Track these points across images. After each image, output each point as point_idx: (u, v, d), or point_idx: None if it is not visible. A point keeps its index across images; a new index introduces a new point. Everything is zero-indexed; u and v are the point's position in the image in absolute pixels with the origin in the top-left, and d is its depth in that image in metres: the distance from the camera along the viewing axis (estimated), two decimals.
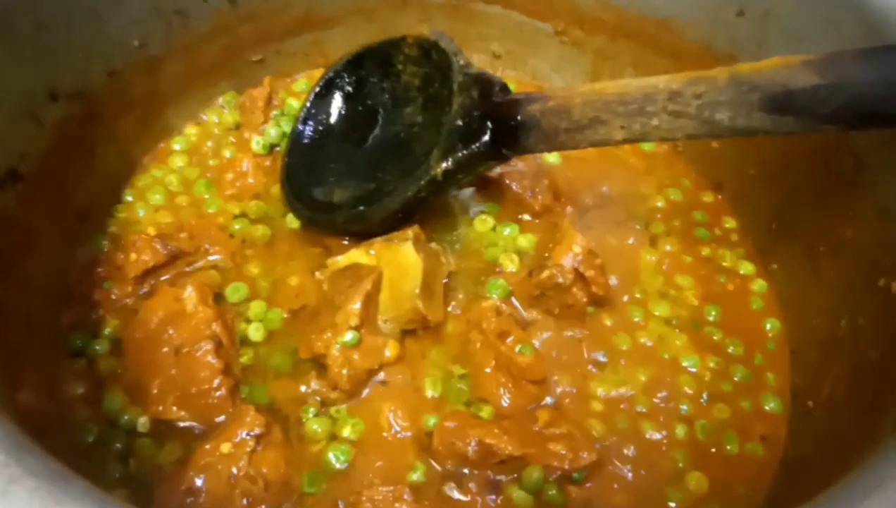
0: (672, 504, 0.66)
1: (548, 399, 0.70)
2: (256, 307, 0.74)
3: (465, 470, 0.65)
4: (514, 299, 0.77)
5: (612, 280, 0.79)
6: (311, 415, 0.67)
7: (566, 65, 0.98)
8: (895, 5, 0.67)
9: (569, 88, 0.68)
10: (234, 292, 0.75)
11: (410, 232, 0.74)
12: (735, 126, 0.59)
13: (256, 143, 0.88)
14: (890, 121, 0.54)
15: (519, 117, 0.69)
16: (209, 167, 0.87)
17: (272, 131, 0.89)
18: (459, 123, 0.71)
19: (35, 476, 0.41)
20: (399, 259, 0.72)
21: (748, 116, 0.57)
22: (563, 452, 0.64)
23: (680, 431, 0.70)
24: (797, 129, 0.56)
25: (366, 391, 0.69)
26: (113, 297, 0.73)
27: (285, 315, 0.74)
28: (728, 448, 0.69)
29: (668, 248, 0.84)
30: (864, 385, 0.61)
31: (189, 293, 0.70)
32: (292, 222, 0.82)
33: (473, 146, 0.70)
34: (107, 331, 0.72)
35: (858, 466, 0.48)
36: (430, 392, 0.69)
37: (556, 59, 0.98)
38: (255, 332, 0.73)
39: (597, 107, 0.65)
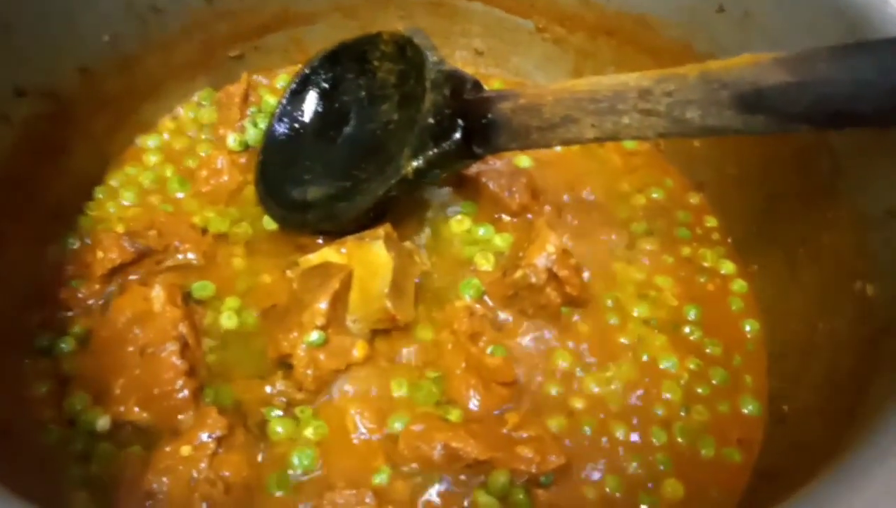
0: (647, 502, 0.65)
1: (518, 401, 0.69)
2: (227, 304, 0.73)
3: (431, 474, 0.64)
4: (487, 299, 0.76)
5: (590, 280, 0.78)
6: (274, 416, 0.66)
7: (548, 62, 0.97)
8: (876, 4, 0.65)
9: (540, 86, 0.67)
10: (201, 289, 0.74)
11: (382, 231, 0.73)
12: (706, 125, 0.57)
13: (232, 140, 0.87)
14: (860, 120, 0.52)
15: (490, 115, 0.68)
16: (184, 165, 0.86)
17: (249, 129, 0.88)
18: (430, 120, 0.69)
19: None
20: (370, 258, 0.71)
21: (718, 114, 0.56)
22: (531, 455, 0.63)
23: (655, 434, 0.68)
24: (768, 128, 0.55)
25: (332, 392, 0.68)
26: (80, 295, 0.72)
27: (255, 315, 0.73)
28: (704, 452, 0.68)
29: (648, 247, 0.83)
30: (838, 392, 0.60)
31: (157, 293, 0.70)
32: (269, 223, 0.81)
33: (444, 145, 0.69)
34: (73, 330, 0.71)
35: (825, 475, 0.47)
36: (397, 394, 0.68)
37: (539, 57, 0.97)
38: (227, 320, 0.72)
39: (568, 105, 0.64)
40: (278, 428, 0.65)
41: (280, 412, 0.66)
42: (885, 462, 0.41)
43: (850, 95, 0.51)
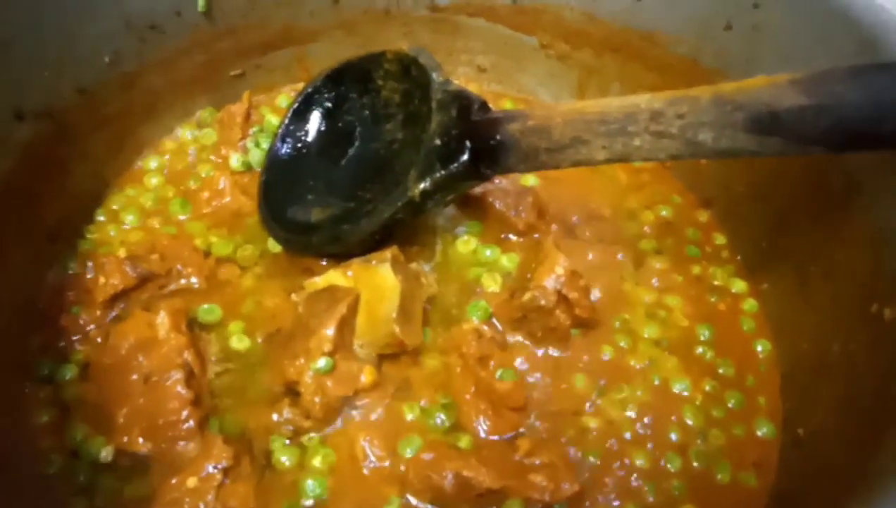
0: None
1: (530, 426, 0.68)
2: (232, 329, 0.72)
3: (443, 504, 0.62)
4: (495, 322, 0.74)
5: (599, 301, 0.77)
6: (281, 445, 0.64)
7: (552, 79, 0.96)
8: (886, 20, 0.65)
9: (549, 106, 0.66)
10: (208, 313, 0.73)
11: (389, 253, 0.72)
12: (719, 147, 0.56)
13: (235, 160, 0.86)
14: (880, 143, 0.52)
15: (498, 137, 0.67)
16: (185, 186, 0.85)
17: (252, 149, 0.87)
18: (437, 142, 0.68)
19: None
20: (376, 281, 0.70)
21: (732, 137, 0.55)
22: (545, 483, 0.62)
23: (670, 459, 0.67)
24: (784, 150, 0.54)
25: (340, 420, 0.66)
26: (81, 322, 0.71)
27: (260, 340, 0.72)
28: (720, 476, 0.67)
29: (657, 266, 0.82)
30: (857, 416, 0.59)
31: (162, 319, 0.68)
32: (274, 245, 0.80)
33: (452, 166, 0.68)
34: (75, 357, 0.69)
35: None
36: (407, 420, 0.67)
37: (542, 74, 0.97)
38: (237, 342, 0.71)
39: (578, 127, 0.63)
40: (284, 458, 0.63)
41: (285, 441, 0.65)
42: None
43: (869, 118, 0.50)
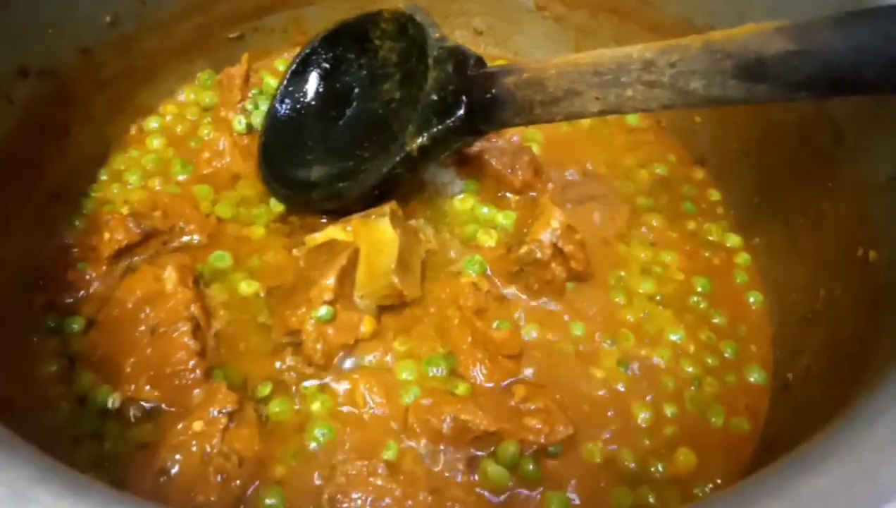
0: (657, 474, 0.65)
1: (525, 374, 0.70)
2: (237, 277, 0.74)
3: (441, 447, 0.64)
4: (492, 276, 0.76)
5: (595, 257, 0.78)
6: (284, 391, 0.66)
7: (548, 41, 0.97)
8: None
9: (543, 60, 0.67)
10: (219, 260, 0.75)
11: (388, 208, 0.73)
12: (709, 95, 0.58)
13: (241, 122, 0.87)
14: (863, 88, 0.53)
15: (494, 91, 0.68)
16: (186, 147, 0.86)
17: (253, 112, 0.88)
18: (434, 97, 0.70)
19: None
20: (376, 235, 0.72)
21: (722, 84, 0.57)
22: (539, 426, 0.64)
23: (664, 405, 0.69)
24: (771, 97, 0.55)
25: (341, 368, 0.68)
26: (87, 277, 0.73)
27: (263, 294, 0.74)
28: (713, 420, 0.69)
29: (653, 223, 0.83)
30: (840, 358, 0.61)
31: (169, 274, 0.70)
32: (276, 205, 0.81)
33: (448, 121, 0.69)
34: (82, 311, 0.71)
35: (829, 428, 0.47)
36: (406, 369, 0.68)
37: (539, 36, 0.98)
38: (246, 288, 0.73)
39: (571, 78, 0.64)
40: (287, 403, 0.65)
41: (288, 387, 0.67)
42: (887, 414, 0.42)
43: (852, 63, 0.51)
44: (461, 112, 0.69)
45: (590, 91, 0.63)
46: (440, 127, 0.70)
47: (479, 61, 0.71)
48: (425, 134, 0.70)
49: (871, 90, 0.53)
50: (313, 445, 0.64)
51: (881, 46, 0.50)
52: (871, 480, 0.37)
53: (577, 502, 0.63)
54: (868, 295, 0.59)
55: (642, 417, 0.68)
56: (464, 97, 0.69)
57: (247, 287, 0.73)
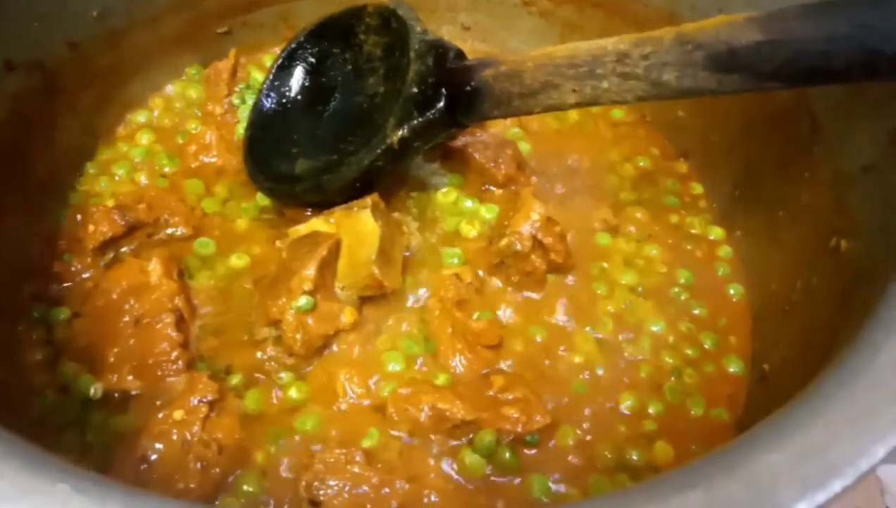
0: (635, 462, 0.65)
1: (504, 364, 0.70)
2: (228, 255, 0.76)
3: (419, 436, 0.65)
4: (473, 268, 0.76)
5: (577, 250, 0.79)
6: (263, 381, 0.67)
7: (535, 36, 0.98)
8: None
9: (521, 53, 0.67)
10: (203, 246, 0.76)
11: (369, 200, 0.74)
12: (682, 86, 0.58)
13: (227, 116, 0.88)
14: (833, 76, 0.53)
15: (473, 83, 0.68)
16: (173, 141, 0.87)
17: (239, 105, 0.89)
18: (414, 90, 0.70)
19: None
20: (357, 227, 0.72)
21: (694, 75, 0.57)
22: (517, 416, 0.64)
23: (643, 396, 0.69)
24: (743, 87, 0.56)
25: (321, 358, 0.69)
26: (73, 269, 0.73)
27: (247, 285, 0.74)
28: (693, 412, 0.69)
29: (637, 215, 0.84)
30: (814, 347, 0.61)
31: (154, 266, 0.71)
32: (262, 199, 0.82)
33: (429, 113, 0.70)
34: (67, 301, 0.72)
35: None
36: (385, 359, 0.69)
37: (526, 31, 0.98)
38: (237, 260, 0.75)
39: (548, 71, 0.64)
40: (267, 393, 0.66)
41: (268, 377, 0.68)
42: (843, 393, 0.42)
43: (822, 52, 0.51)
44: (441, 105, 0.70)
45: (566, 83, 0.64)
46: (420, 119, 0.70)
47: (460, 54, 0.72)
48: (406, 126, 0.70)
49: (843, 79, 0.54)
50: (293, 434, 0.64)
51: (852, 35, 0.51)
52: (821, 456, 0.38)
53: (555, 490, 0.63)
54: (840, 285, 0.60)
55: (622, 407, 0.69)
56: (444, 90, 0.70)
57: (237, 260, 0.75)
